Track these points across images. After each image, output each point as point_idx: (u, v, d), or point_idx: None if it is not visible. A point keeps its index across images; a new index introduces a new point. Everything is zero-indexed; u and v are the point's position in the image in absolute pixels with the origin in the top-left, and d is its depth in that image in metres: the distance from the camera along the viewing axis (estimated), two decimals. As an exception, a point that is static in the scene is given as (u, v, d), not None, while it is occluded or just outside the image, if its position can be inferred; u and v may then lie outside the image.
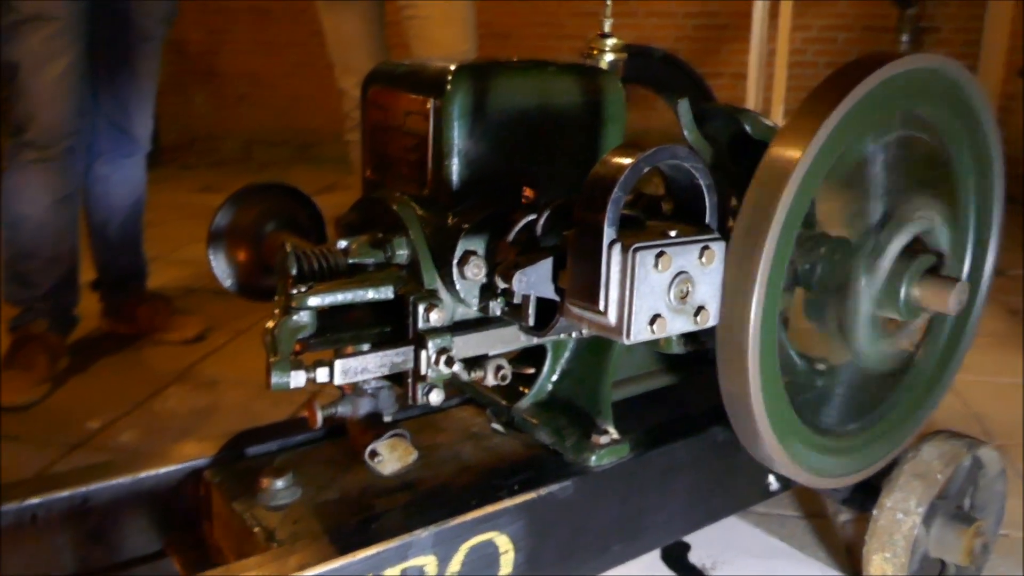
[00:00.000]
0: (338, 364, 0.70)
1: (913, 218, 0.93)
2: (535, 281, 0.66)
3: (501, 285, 0.68)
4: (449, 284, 0.76)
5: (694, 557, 1.29)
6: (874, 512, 1.11)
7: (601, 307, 0.63)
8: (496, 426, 0.96)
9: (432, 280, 0.76)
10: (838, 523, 1.40)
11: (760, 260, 0.74)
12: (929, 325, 0.99)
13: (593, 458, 0.88)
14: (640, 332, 0.63)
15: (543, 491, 0.84)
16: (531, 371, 0.78)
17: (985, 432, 1.80)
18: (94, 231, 2.16)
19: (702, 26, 4.57)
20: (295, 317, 0.71)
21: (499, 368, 0.80)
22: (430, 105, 0.75)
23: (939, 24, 4.33)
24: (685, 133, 0.89)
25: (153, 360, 2.17)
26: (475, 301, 0.76)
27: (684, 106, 0.88)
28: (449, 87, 0.74)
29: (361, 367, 0.72)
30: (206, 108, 4.49)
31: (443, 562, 0.78)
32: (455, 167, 0.76)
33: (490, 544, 0.81)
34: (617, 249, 0.62)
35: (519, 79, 0.78)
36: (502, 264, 0.69)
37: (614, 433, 0.90)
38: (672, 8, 4.59)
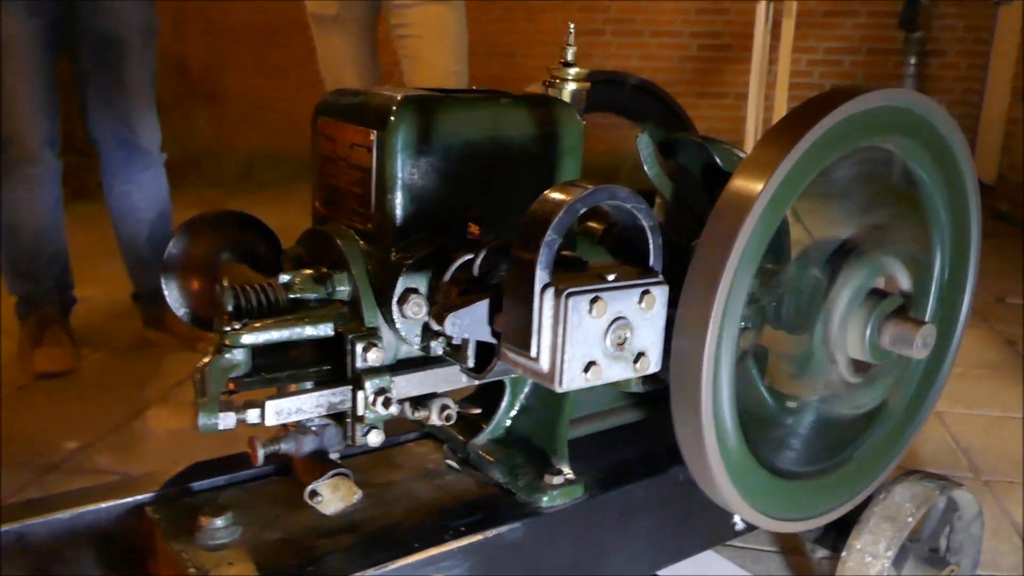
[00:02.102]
0: (269, 405, 0.68)
1: (881, 257, 0.91)
2: (470, 324, 0.64)
3: (435, 327, 0.66)
4: (390, 322, 0.74)
5: (665, 591, 1.27)
6: (843, 554, 1.08)
7: (533, 353, 0.61)
8: (451, 463, 0.94)
9: (373, 318, 0.74)
10: (815, 559, 1.37)
11: (715, 299, 0.72)
12: (901, 368, 0.96)
13: (545, 499, 0.85)
14: (573, 380, 0.61)
15: (490, 533, 0.81)
16: (477, 411, 0.76)
17: (972, 467, 1.77)
18: (125, 248, 2.27)
19: (707, 46, 4.57)
20: (227, 356, 0.70)
21: (444, 408, 0.78)
22: (373, 137, 0.74)
23: (945, 48, 4.31)
24: (645, 168, 0.88)
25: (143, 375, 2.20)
26: (417, 340, 0.74)
27: (644, 140, 0.86)
28: (392, 119, 0.73)
29: (295, 408, 0.70)
30: (208, 127, 4.51)
31: (383, 608, 0.76)
32: (399, 201, 0.74)
33: (434, 588, 0.79)
34: (550, 294, 0.60)
35: (467, 112, 0.77)
36: (436, 306, 0.67)
37: (569, 473, 0.87)
38: (677, 28, 4.59)
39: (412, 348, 0.76)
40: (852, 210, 0.93)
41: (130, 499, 0.84)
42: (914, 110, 0.87)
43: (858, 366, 0.91)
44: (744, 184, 0.75)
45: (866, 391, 0.92)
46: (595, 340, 0.61)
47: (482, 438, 0.92)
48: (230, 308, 0.72)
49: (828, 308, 0.88)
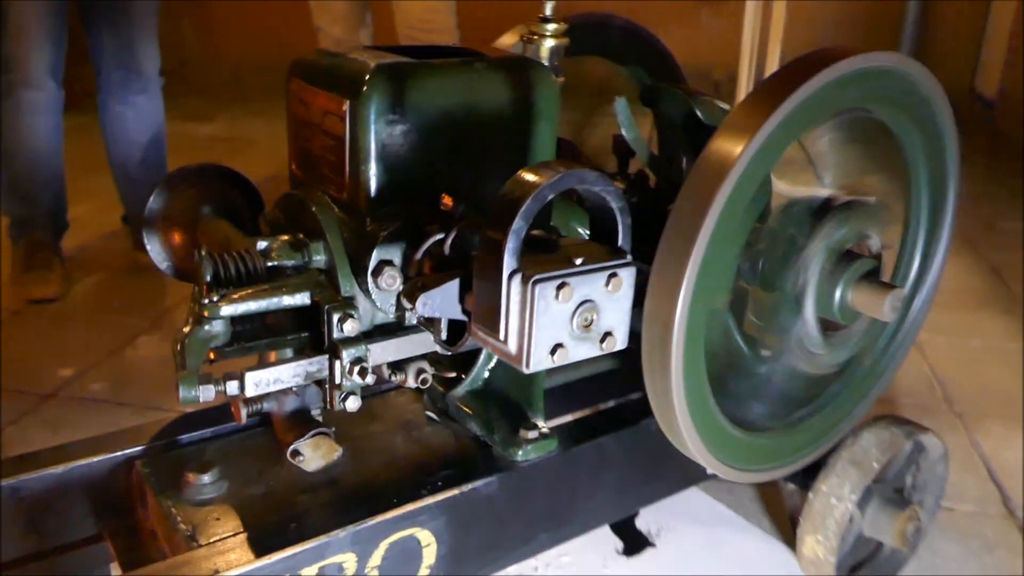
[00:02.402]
0: (249, 376, 0.70)
1: (856, 218, 0.91)
2: (440, 303, 0.66)
3: (407, 305, 0.67)
4: (366, 292, 0.75)
5: (640, 523, 1.32)
6: (810, 495, 1.13)
7: (501, 336, 0.62)
8: (430, 414, 0.97)
9: (349, 287, 0.76)
10: (786, 491, 1.43)
11: (687, 264, 0.73)
12: (869, 328, 0.98)
13: (520, 453, 0.88)
14: (540, 362, 0.63)
15: (467, 488, 0.85)
16: (452, 375, 0.78)
17: (947, 399, 1.81)
18: (116, 169, 2.28)
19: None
20: (206, 327, 0.71)
21: (420, 372, 0.80)
22: (346, 107, 0.73)
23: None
24: (623, 131, 0.87)
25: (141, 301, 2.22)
26: (391, 310, 0.76)
27: (621, 104, 0.86)
28: (365, 88, 0.72)
29: (274, 378, 0.72)
30: (194, 33, 4.40)
31: (362, 558, 0.80)
32: (373, 171, 0.74)
33: (411, 539, 0.83)
34: (517, 280, 0.61)
35: (441, 80, 0.76)
36: (409, 283, 0.68)
37: (544, 427, 0.90)
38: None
39: (388, 315, 0.78)
40: (831, 169, 0.94)
41: (120, 453, 0.87)
42: (898, 73, 0.87)
43: (827, 326, 0.93)
44: (721, 149, 0.75)
45: (833, 350, 0.94)
46: (562, 324, 0.63)
47: (460, 390, 0.94)
48: (208, 278, 0.73)
49: (801, 268, 0.90)
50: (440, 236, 0.68)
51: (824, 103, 0.81)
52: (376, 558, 0.81)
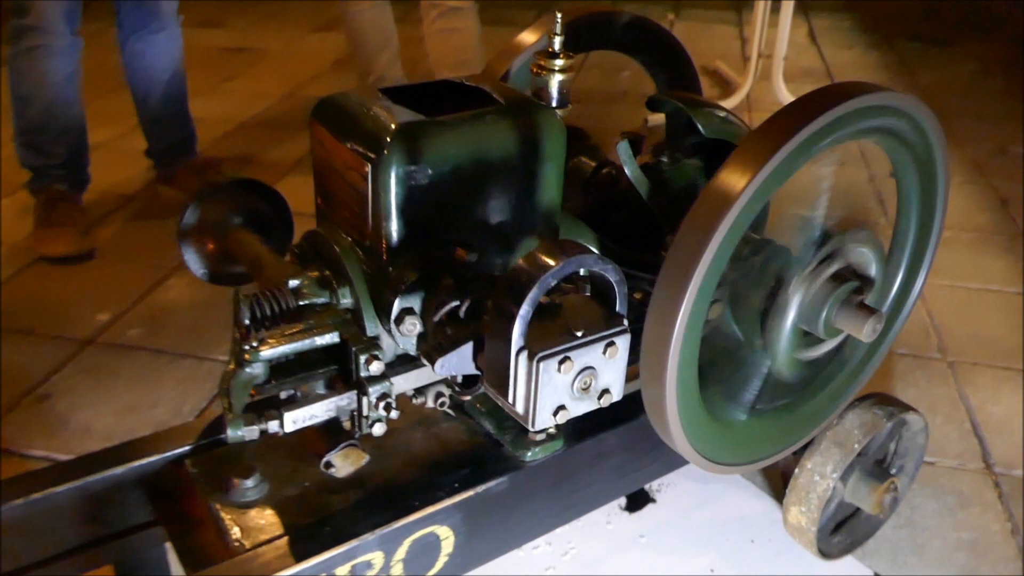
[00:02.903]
0: (287, 416, 0.80)
1: (849, 243, 0.97)
2: (456, 363, 0.74)
3: (426, 362, 0.76)
4: (389, 332, 0.83)
5: (641, 480, 1.44)
6: (796, 470, 1.23)
7: (510, 400, 0.71)
8: (447, 410, 1.06)
9: (374, 327, 0.84)
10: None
11: (683, 301, 0.81)
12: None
13: (528, 454, 0.98)
14: (544, 422, 0.71)
15: (480, 488, 0.95)
16: (467, 397, 0.87)
17: (941, 347, 1.89)
18: (138, 105, 2.30)
19: None
20: (248, 370, 0.80)
21: (439, 395, 0.89)
22: (367, 168, 0.79)
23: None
24: (626, 170, 0.93)
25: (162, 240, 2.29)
26: (412, 348, 0.84)
27: (623, 147, 0.91)
28: (386, 151, 0.78)
29: (309, 415, 0.81)
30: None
31: (389, 555, 0.91)
32: (393, 224, 0.81)
33: (432, 535, 0.94)
34: (524, 356, 0.69)
35: (456, 134, 0.81)
36: (426, 346, 0.76)
37: (551, 428, 1.00)
38: None
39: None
40: (828, 191, 0.99)
41: (171, 453, 0.98)
42: (901, 109, 0.91)
43: (809, 339, 1.00)
44: (723, 188, 0.81)
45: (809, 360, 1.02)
46: (563, 389, 0.71)
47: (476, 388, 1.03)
48: (247, 321, 0.81)
49: (790, 285, 0.96)
50: (455, 304, 0.75)
51: (830, 138, 0.86)
52: (400, 553, 0.92)
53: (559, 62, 0.92)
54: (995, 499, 1.47)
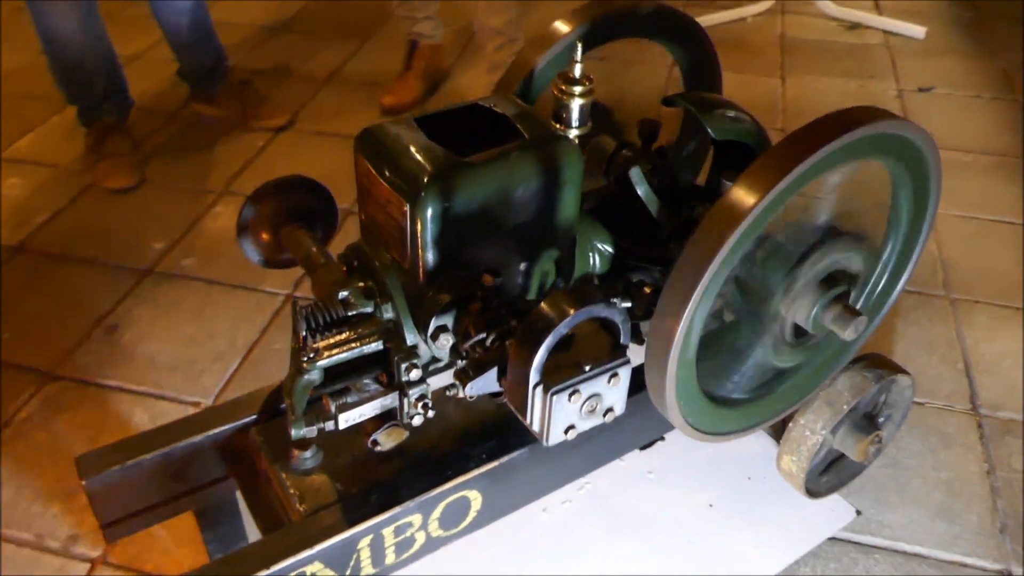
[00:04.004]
0: (340, 417, 0.94)
1: (840, 249, 1.07)
2: (483, 386, 0.87)
3: (456, 383, 0.89)
4: (426, 342, 0.96)
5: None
6: (789, 424, 1.37)
7: (527, 421, 0.85)
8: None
9: (412, 338, 0.97)
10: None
11: (686, 313, 0.92)
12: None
13: (547, 427, 1.13)
14: (556, 439, 0.85)
15: (504, 459, 1.11)
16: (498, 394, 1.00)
17: (946, 283, 1.98)
18: (168, 35, 2.40)
19: None
20: (307, 376, 0.94)
21: (458, 372, 1.02)
22: (406, 208, 0.90)
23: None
24: (638, 191, 1.02)
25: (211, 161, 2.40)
26: (446, 357, 0.97)
27: (636, 174, 1.00)
28: (423, 194, 0.89)
29: (359, 414, 0.96)
30: None
31: (426, 516, 1.08)
32: (430, 254, 0.92)
33: (463, 498, 1.10)
34: (539, 390, 0.82)
35: (484, 174, 0.91)
36: (458, 369, 0.89)
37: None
38: None
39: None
40: (827, 199, 1.08)
41: (240, 422, 1.14)
42: (906, 137, 0.99)
43: (798, 331, 1.12)
44: (731, 207, 0.90)
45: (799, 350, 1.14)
46: (573, 413, 0.85)
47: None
48: (304, 332, 0.95)
49: (788, 287, 1.07)
50: (481, 336, 0.88)
51: (836, 160, 0.94)
52: (436, 513, 1.09)
53: (579, 88, 1.00)
54: (976, 440, 1.60)
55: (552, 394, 0.82)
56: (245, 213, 1.15)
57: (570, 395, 0.83)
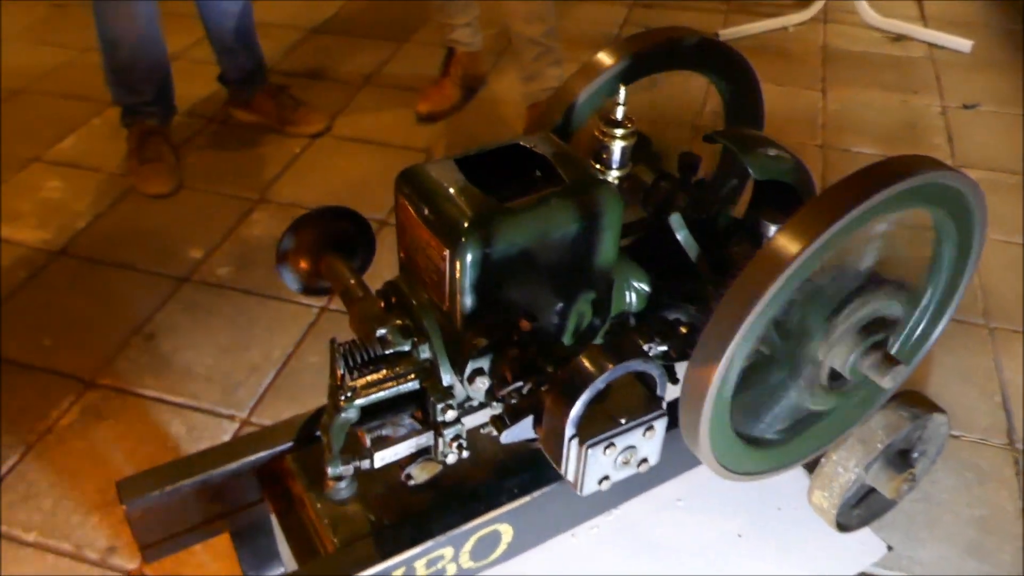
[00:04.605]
0: (376, 456, 0.95)
1: (881, 296, 1.06)
2: (519, 433, 0.88)
3: (493, 428, 0.90)
4: (462, 383, 0.97)
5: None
6: (822, 460, 1.36)
7: (562, 471, 0.85)
8: (509, 414, 1.21)
9: (448, 378, 0.98)
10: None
11: (723, 361, 0.92)
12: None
13: (579, 463, 1.13)
14: (590, 489, 0.86)
15: (536, 494, 1.12)
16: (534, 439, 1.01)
17: (985, 312, 1.95)
18: (212, 37, 2.42)
19: None
20: (344, 415, 0.95)
21: (494, 418, 1.03)
22: (446, 253, 0.91)
23: None
24: (678, 236, 1.02)
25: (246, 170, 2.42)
26: (481, 397, 0.98)
27: (676, 220, 1.00)
28: (463, 240, 0.89)
29: (394, 453, 0.97)
30: None
31: (457, 548, 1.09)
32: (467, 299, 0.93)
33: (494, 531, 1.11)
34: (575, 443, 0.82)
35: (524, 221, 0.92)
36: (494, 418, 0.90)
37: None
38: None
39: (479, 396, 1.00)
40: (871, 247, 1.06)
41: (276, 448, 1.16)
42: (955, 187, 0.98)
43: (834, 374, 1.11)
44: (775, 254, 0.90)
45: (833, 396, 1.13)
46: (608, 465, 0.85)
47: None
48: (342, 370, 0.96)
49: (826, 332, 1.06)
50: (518, 385, 0.88)
51: (882, 209, 0.93)
52: (467, 546, 1.10)
53: (620, 130, 1.00)
54: (1012, 476, 1.58)
55: (587, 447, 0.82)
56: (285, 242, 1.16)
57: (605, 448, 0.83)
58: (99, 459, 1.56)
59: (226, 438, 1.62)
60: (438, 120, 2.61)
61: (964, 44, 2.98)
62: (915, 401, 1.36)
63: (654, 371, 0.84)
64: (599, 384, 0.80)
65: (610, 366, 0.80)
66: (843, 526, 1.45)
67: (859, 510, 1.48)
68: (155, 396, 1.70)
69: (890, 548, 1.46)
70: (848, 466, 1.34)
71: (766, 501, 1.53)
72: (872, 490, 1.47)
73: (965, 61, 2.97)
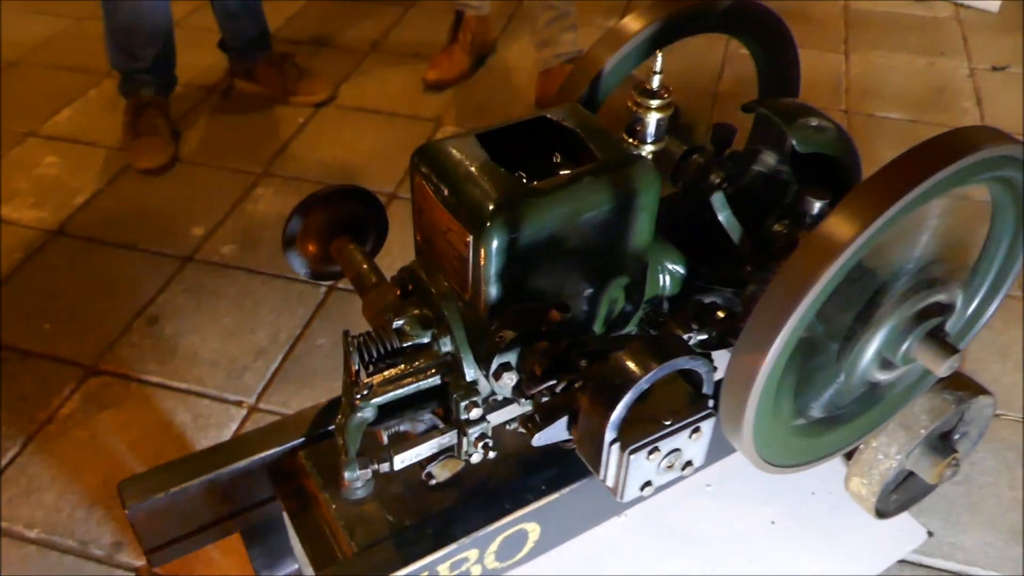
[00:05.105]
0: (396, 458, 0.88)
1: (939, 280, 0.98)
2: (552, 435, 0.81)
3: (522, 429, 0.83)
4: (487, 378, 0.90)
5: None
6: (861, 446, 1.29)
7: (601, 476, 0.78)
8: (533, 405, 1.14)
9: (472, 373, 0.91)
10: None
11: (770, 353, 0.85)
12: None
13: (607, 457, 1.06)
14: (631, 496, 0.79)
15: (565, 490, 1.05)
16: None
17: (1021, 282, 1.85)
18: (214, 2, 2.29)
19: None
20: (360, 414, 0.88)
21: (524, 418, 0.96)
22: (469, 239, 0.83)
23: None
24: (719, 216, 0.94)
25: (246, 141, 2.33)
26: (509, 395, 0.91)
27: (719, 200, 0.92)
28: (488, 225, 0.82)
29: (415, 454, 0.90)
30: None
31: (482, 550, 1.03)
32: (493, 288, 0.85)
33: (521, 531, 1.05)
34: (616, 448, 0.75)
35: (554, 202, 0.84)
36: (525, 416, 0.82)
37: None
38: None
39: (505, 392, 0.93)
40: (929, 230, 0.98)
41: (288, 444, 1.09)
42: (1019, 159, 0.89)
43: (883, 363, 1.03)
44: (829, 238, 0.81)
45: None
46: (650, 470, 0.78)
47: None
48: (357, 365, 0.89)
49: (879, 315, 0.98)
50: (551, 383, 0.81)
51: (945, 186, 0.85)
52: (493, 547, 1.03)
53: (656, 101, 0.92)
54: (1055, 456, 1.51)
55: (630, 452, 0.75)
56: (292, 225, 1.09)
57: (649, 453, 0.76)
58: (102, 450, 1.49)
59: (233, 426, 1.55)
60: (447, 88, 2.51)
61: (992, 4, 2.86)
62: (961, 385, 1.29)
63: (701, 368, 0.77)
64: (643, 385, 0.73)
65: (654, 365, 0.73)
66: (881, 512, 1.38)
67: (897, 495, 1.41)
68: (159, 382, 1.64)
69: (930, 534, 1.40)
70: (889, 453, 1.27)
71: (799, 486, 1.46)
72: (911, 473, 1.41)
73: (993, 21, 2.86)
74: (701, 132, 1.20)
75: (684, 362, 0.75)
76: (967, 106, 2.43)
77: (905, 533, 1.40)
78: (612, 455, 0.76)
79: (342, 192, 1.09)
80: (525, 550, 1.08)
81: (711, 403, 0.79)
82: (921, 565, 1.36)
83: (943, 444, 1.32)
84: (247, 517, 1.13)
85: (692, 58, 2.50)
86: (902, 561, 1.36)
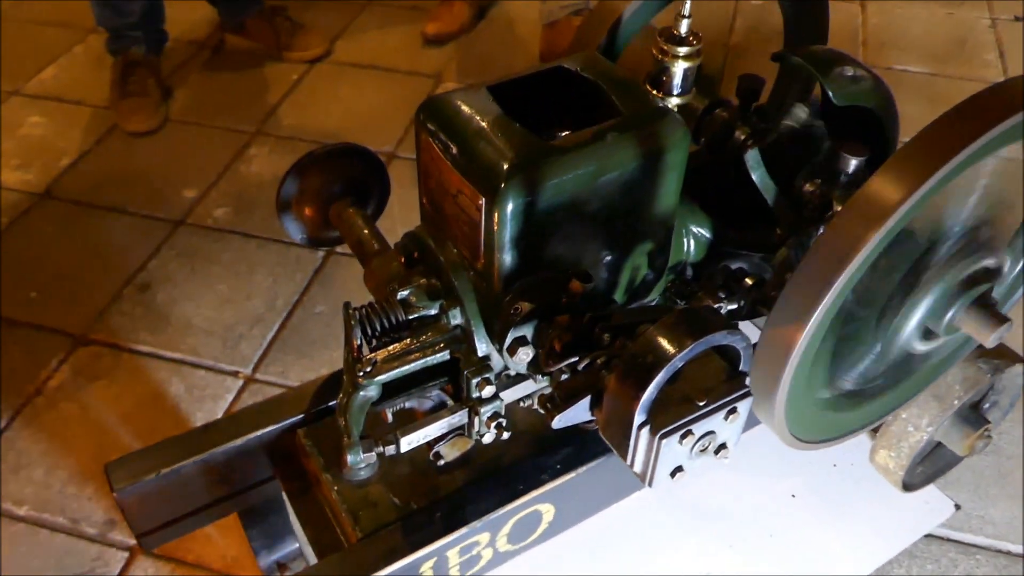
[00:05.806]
0: (403, 440, 0.82)
1: (987, 245, 0.91)
2: (573, 416, 0.74)
3: (539, 409, 0.76)
4: (500, 353, 0.83)
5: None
6: (889, 417, 1.23)
7: (628, 462, 0.71)
8: (547, 382, 1.07)
9: (485, 347, 0.83)
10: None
11: (808, 327, 0.77)
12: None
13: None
14: (661, 483, 0.72)
15: (581, 469, 0.98)
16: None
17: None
18: None
19: None
20: (363, 393, 0.81)
21: (541, 397, 0.89)
22: (481, 202, 0.75)
23: None
24: (753, 176, 0.86)
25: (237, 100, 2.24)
26: (523, 371, 0.84)
27: (753, 157, 0.84)
28: (503, 186, 0.74)
29: (423, 436, 0.83)
30: None
31: (494, 533, 0.96)
32: (507, 256, 0.78)
33: (534, 512, 0.98)
34: (645, 431, 0.68)
35: (574, 162, 0.76)
36: (543, 395, 0.76)
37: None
38: None
39: (520, 367, 0.86)
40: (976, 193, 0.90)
41: (286, 421, 1.02)
42: None
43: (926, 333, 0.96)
44: (875, 200, 0.74)
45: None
46: (682, 455, 0.71)
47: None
48: (359, 340, 0.81)
49: (924, 280, 0.91)
50: (573, 360, 0.74)
51: (1000, 143, 0.77)
52: (505, 530, 0.97)
53: (684, 49, 0.83)
54: (1085, 424, 1.45)
55: (661, 437, 0.68)
56: (287, 187, 1.01)
57: (682, 437, 0.69)
58: (93, 423, 1.43)
59: (230, 397, 1.49)
60: (447, 42, 2.41)
61: (1014, -52, 2.74)
62: (996, 352, 1.22)
63: (739, 343, 0.69)
64: (677, 363, 0.66)
65: (689, 342, 0.66)
66: (907, 485, 1.32)
67: (923, 467, 1.35)
68: (151, 352, 1.57)
69: (958, 507, 1.34)
70: (920, 425, 1.20)
71: (820, 458, 1.40)
72: (939, 444, 1.35)
73: (1015, -33, 2.74)
74: (721, 85, 1.12)
75: (721, 337, 0.68)
76: (989, 58, 2.34)
77: (931, 506, 1.35)
78: (641, 439, 0.69)
79: (340, 151, 1.01)
80: (538, 531, 1.02)
81: (748, 381, 0.72)
82: (949, 540, 1.30)
83: (974, 414, 1.26)
84: (244, 498, 1.07)
85: (702, 9, 2.39)
86: (929, 536, 1.31)
